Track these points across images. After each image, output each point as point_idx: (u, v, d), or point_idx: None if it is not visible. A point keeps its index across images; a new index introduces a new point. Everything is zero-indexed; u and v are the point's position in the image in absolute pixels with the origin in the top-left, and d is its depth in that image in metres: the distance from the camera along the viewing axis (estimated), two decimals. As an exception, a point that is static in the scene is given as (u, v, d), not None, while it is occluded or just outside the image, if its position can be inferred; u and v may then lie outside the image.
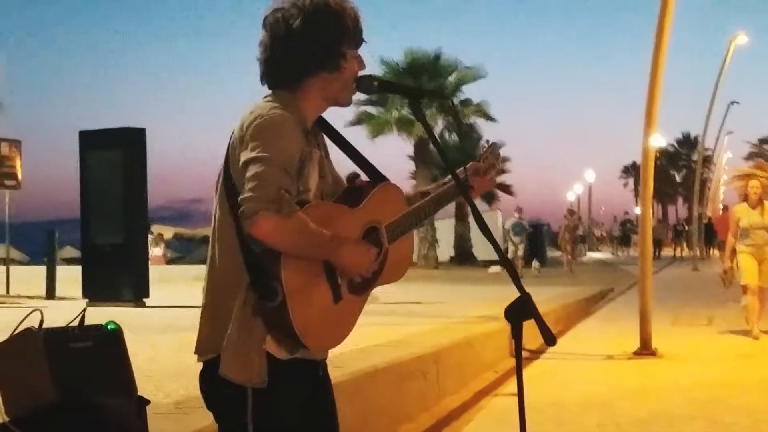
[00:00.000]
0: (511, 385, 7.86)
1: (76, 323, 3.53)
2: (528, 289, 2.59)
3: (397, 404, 7.03)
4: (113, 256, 14.53)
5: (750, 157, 58.43)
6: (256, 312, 2.66)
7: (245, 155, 2.65)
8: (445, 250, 35.43)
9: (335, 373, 3.51)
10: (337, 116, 2.98)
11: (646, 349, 10.60)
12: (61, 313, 4.39)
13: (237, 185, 2.68)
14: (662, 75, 11.40)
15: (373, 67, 2.93)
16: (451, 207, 19.42)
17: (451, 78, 32.21)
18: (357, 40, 2.85)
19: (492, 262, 28.60)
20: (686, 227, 53.11)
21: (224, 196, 2.77)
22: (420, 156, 31.91)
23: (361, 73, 2.87)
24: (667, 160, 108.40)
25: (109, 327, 3.61)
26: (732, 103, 49.77)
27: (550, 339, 2.58)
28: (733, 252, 12.31)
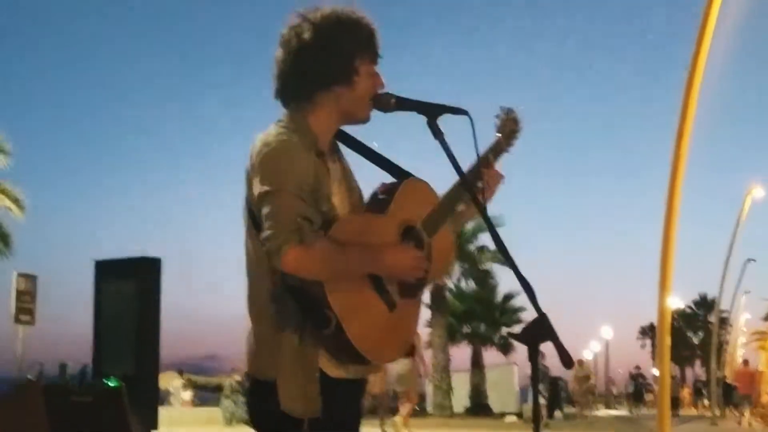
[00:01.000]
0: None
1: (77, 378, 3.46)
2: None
3: None
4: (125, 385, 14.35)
5: (768, 317, 57.87)
6: (316, 343, 2.65)
7: (257, 188, 2.66)
8: (461, 401, 34.90)
9: None
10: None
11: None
12: None
13: (257, 215, 2.67)
14: (675, 238, 11.43)
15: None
16: (466, 358, 19.11)
17: (468, 226, 32.32)
18: (372, 53, 2.83)
19: (507, 413, 28.12)
20: (705, 385, 52.36)
21: (251, 225, 2.76)
22: (436, 304, 31.72)
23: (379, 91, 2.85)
24: (685, 321, 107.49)
25: (110, 384, 3.53)
26: (748, 260, 49.46)
27: (567, 361, 2.48)
28: None
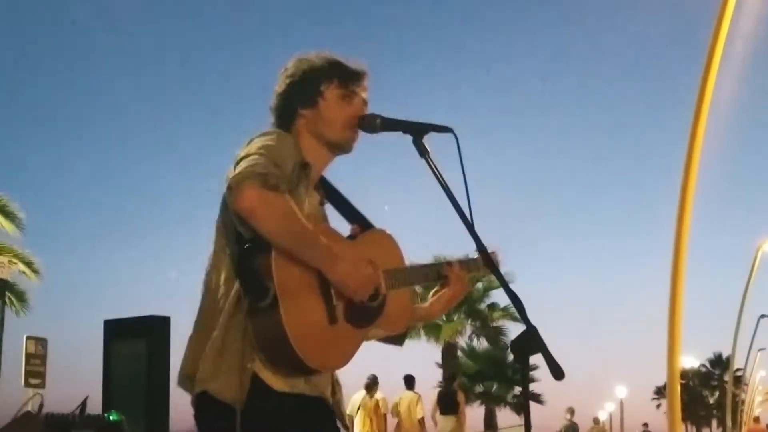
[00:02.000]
0: None
1: (77, 411, 3.48)
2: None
3: None
4: (134, 447, 14.24)
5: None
6: (249, 318, 2.59)
7: (237, 158, 2.68)
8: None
9: None
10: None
11: None
12: None
13: (235, 221, 2.67)
14: (682, 299, 11.45)
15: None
16: (479, 419, 18.95)
17: (479, 284, 32.29)
18: (340, 78, 2.93)
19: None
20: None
21: (221, 228, 2.78)
22: (448, 363, 31.55)
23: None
24: (700, 381, 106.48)
25: (111, 418, 3.55)
26: (762, 316, 49.03)
27: (558, 373, 2.49)
28: None
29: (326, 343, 2.68)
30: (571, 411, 28.44)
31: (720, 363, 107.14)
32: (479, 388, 36.44)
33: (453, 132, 2.80)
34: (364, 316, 2.80)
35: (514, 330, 34.52)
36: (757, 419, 33.99)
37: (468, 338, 33.61)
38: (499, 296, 32.69)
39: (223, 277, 2.72)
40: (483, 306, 32.57)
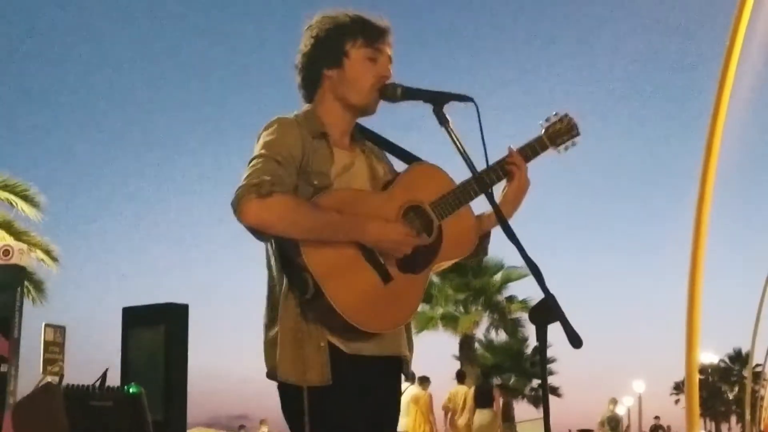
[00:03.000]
0: None
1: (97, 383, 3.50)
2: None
3: None
4: (153, 433, 14.30)
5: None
6: (303, 310, 2.67)
7: None
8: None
9: None
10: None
11: None
12: None
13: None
14: (700, 293, 11.42)
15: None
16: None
17: (497, 276, 32.27)
18: (365, 38, 2.93)
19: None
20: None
21: None
22: (465, 355, 31.54)
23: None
24: (719, 376, 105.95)
25: (130, 390, 3.57)
26: (782, 311, 48.63)
27: (575, 341, 2.49)
28: None
29: (385, 304, 2.74)
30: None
31: (739, 358, 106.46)
32: (496, 381, 36.41)
33: (474, 102, 2.80)
34: (422, 257, 2.83)
35: (531, 324, 34.33)
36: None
37: (485, 330, 33.65)
38: (517, 289, 32.67)
39: (273, 271, 2.81)
40: (501, 298, 32.52)
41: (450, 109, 2.80)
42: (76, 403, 3.40)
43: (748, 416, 40.58)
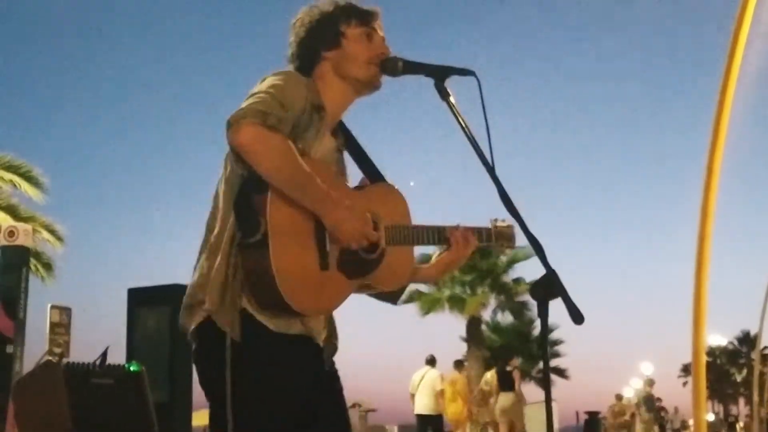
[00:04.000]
0: None
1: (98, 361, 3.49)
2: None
3: None
4: (158, 414, 14.35)
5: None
6: (239, 253, 2.59)
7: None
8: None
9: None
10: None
11: None
12: None
13: (231, 156, 2.71)
14: (707, 275, 11.31)
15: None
16: None
17: (503, 257, 32.25)
18: (358, 18, 2.95)
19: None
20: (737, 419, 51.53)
21: (228, 160, 2.77)
22: (472, 337, 31.57)
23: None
24: (727, 358, 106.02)
25: (131, 368, 3.56)
26: (790, 293, 48.41)
27: (577, 317, 2.46)
28: None
29: (313, 287, 2.66)
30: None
31: (747, 341, 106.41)
32: (514, 363, 36.33)
33: (475, 75, 2.78)
34: (359, 267, 2.78)
35: (533, 299, 34.27)
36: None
37: (492, 312, 33.65)
38: (523, 270, 32.62)
39: (221, 218, 2.73)
40: (508, 279, 32.52)
41: (452, 84, 2.77)
42: (77, 380, 3.39)
43: (756, 398, 40.65)
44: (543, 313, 2.51)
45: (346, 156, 3.04)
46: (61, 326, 19.09)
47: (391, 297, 3.06)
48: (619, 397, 34.92)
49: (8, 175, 20.91)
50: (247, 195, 2.61)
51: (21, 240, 13.44)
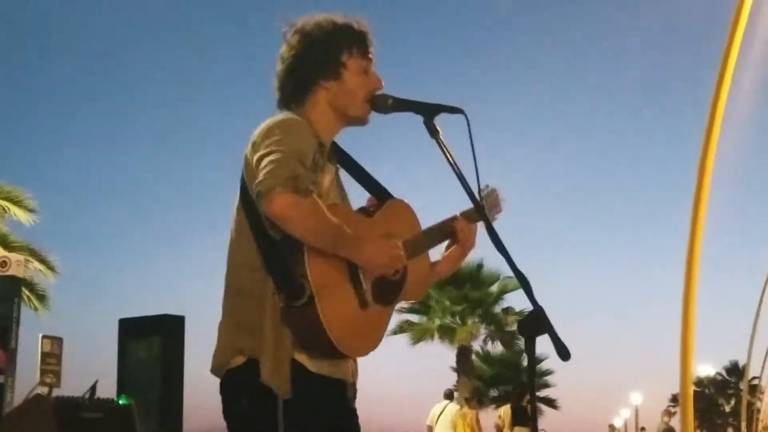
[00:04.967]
0: None
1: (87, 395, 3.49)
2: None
3: None
4: (149, 444, 14.28)
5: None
6: (284, 316, 2.62)
7: (259, 153, 2.67)
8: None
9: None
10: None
11: None
12: None
13: (253, 193, 2.67)
14: (695, 306, 11.44)
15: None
16: (493, 423, 19.45)
17: (494, 287, 32.23)
18: (360, 49, 2.92)
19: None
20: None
21: (241, 206, 2.79)
22: (462, 367, 31.48)
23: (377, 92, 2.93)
24: (716, 388, 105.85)
25: (120, 402, 3.57)
26: (778, 323, 48.38)
27: (564, 353, 2.50)
28: None
29: (361, 329, 2.74)
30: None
31: (736, 371, 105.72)
32: (494, 392, 36.36)
33: (464, 113, 2.82)
34: (390, 291, 2.85)
35: (520, 336, 34.15)
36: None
37: (482, 342, 33.57)
38: (513, 300, 32.58)
39: (252, 264, 2.73)
40: (498, 310, 32.43)
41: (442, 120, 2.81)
42: (67, 414, 3.40)
43: (744, 429, 40.56)
44: (530, 349, 2.56)
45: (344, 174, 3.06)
46: (53, 356, 18.98)
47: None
48: (612, 428, 34.94)
49: (-1, 201, 20.84)
50: (283, 258, 2.64)
51: (13, 270, 13.43)
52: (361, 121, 2.97)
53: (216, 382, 2.78)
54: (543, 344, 2.53)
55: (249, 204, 2.73)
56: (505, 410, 18.17)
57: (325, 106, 2.90)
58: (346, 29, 2.91)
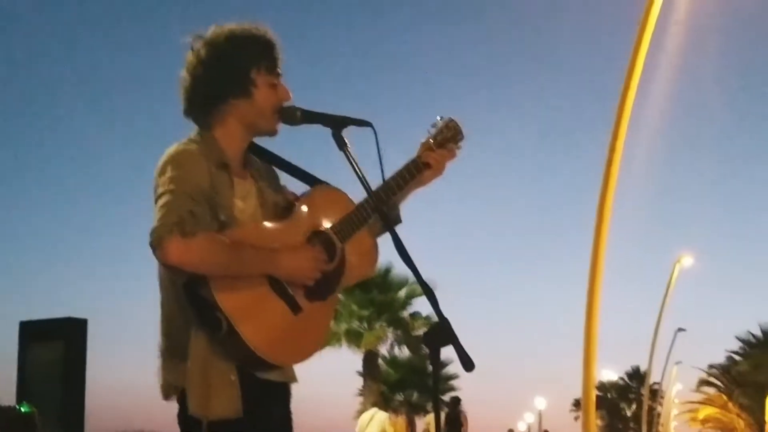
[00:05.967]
0: None
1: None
2: None
3: None
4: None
5: (700, 386, 58.04)
6: (215, 347, 2.64)
7: (155, 195, 2.70)
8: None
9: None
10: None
11: None
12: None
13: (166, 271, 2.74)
14: (598, 311, 11.66)
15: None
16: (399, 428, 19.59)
17: (401, 292, 32.33)
18: (269, 64, 2.89)
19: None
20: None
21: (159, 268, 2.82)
22: (369, 371, 31.52)
23: (286, 103, 2.91)
24: (618, 394, 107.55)
25: (22, 409, 3.51)
26: (679, 330, 49.42)
27: (468, 364, 2.53)
28: None
29: (298, 337, 2.75)
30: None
31: (638, 376, 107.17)
32: (400, 397, 36.48)
33: (372, 126, 2.83)
34: (327, 284, 2.84)
35: (425, 346, 34.30)
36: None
37: (389, 347, 33.64)
38: (421, 305, 32.73)
39: (178, 304, 2.75)
40: (405, 314, 32.55)
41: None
42: (-32, 424, 3.30)
43: (644, 432, 41.45)
44: (435, 359, 2.58)
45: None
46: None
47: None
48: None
49: None
50: (193, 295, 2.63)
51: None
52: (270, 133, 2.96)
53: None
54: (449, 347, 2.56)
55: None
56: (431, 417, 18.36)
57: (233, 122, 2.88)
58: (256, 43, 2.87)
